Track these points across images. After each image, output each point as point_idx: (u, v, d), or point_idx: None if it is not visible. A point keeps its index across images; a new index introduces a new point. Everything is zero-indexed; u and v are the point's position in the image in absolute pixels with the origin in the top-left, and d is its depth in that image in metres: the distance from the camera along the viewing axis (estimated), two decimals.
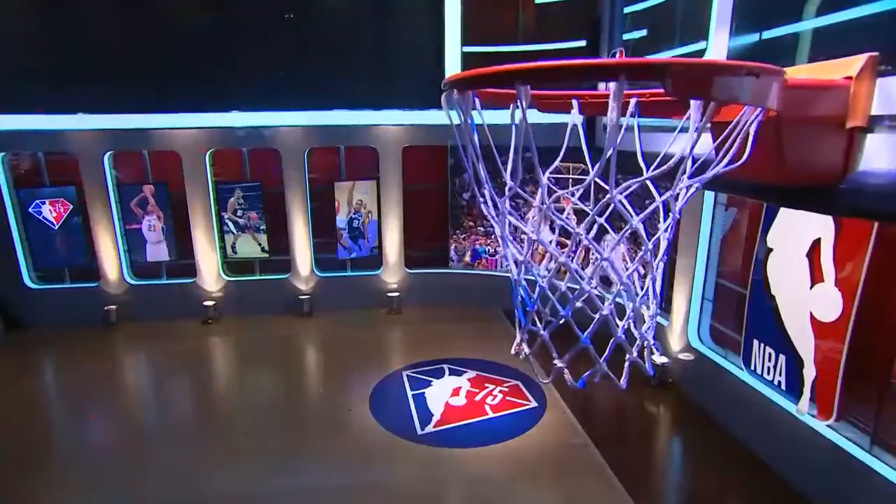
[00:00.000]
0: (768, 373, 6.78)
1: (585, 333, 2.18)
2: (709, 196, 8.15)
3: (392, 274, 13.00)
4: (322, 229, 12.65)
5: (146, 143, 11.74)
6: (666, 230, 2.21)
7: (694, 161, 2.04)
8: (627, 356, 2.31)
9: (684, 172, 2.05)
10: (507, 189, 2.29)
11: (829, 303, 5.85)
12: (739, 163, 2.05)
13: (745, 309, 7.18)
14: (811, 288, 6.08)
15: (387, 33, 12.07)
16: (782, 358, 6.54)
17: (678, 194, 2.09)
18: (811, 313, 6.08)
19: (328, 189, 12.43)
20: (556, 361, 2.26)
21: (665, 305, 9.15)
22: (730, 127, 2.08)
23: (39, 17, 11.15)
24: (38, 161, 11.88)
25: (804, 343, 6.20)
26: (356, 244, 12.84)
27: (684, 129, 2.16)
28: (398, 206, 12.66)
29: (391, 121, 11.92)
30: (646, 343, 2.33)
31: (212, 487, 6.88)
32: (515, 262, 2.28)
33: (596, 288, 2.32)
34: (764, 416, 6.96)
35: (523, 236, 2.31)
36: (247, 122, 11.66)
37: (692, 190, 2.14)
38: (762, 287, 6.83)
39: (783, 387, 6.54)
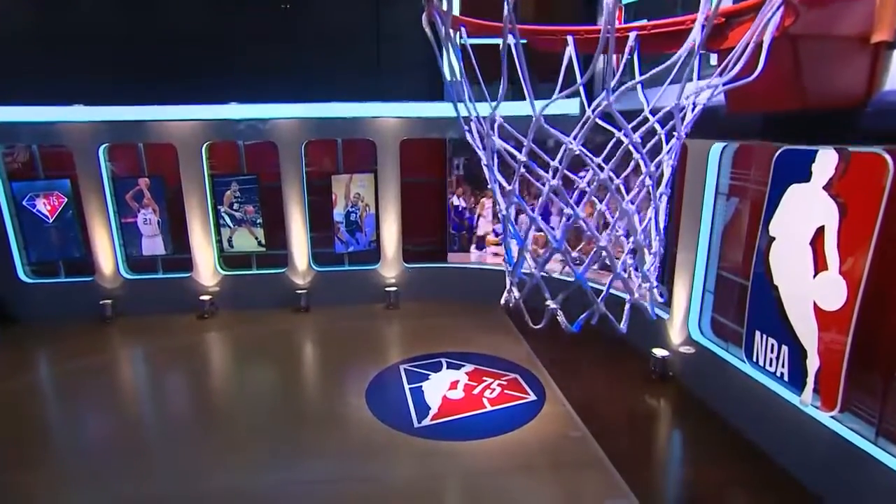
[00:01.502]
0: (771, 364, 6.66)
1: (581, 269, 2.05)
2: (710, 187, 8.04)
3: (390, 268, 12.88)
4: (319, 223, 12.54)
5: (142, 136, 11.64)
6: (669, 154, 2.08)
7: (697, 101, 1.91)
8: (628, 298, 2.18)
9: (686, 97, 1.91)
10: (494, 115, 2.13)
11: (833, 291, 5.73)
12: (752, 76, 1.91)
13: (747, 300, 7.06)
14: (815, 277, 5.96)
15: (385, 25, 11.97)
16: (785, 349, 6.42)
17: (684, 115, 1.95)
18: (815, 303, 5.96)
19: (325, 182, 12.33)
20: (548, 303, 2.14)
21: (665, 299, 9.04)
22: (746, 34, 1.90)
23: (35, 7, 11.06)
24: (33, 154, 11.77)
25: (807, 333, 6.08)
26: (353, 238, 12.72)
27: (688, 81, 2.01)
28: (396, 199, 12.54)
29: (389, 113, 11.82)
30: (647, 284, 2.19)
31: (208, 482, 6.76)
32: (503, 194, 2.16)
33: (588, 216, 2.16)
34: (767, 408, 6.84)
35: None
36: (244, 114, 11.54)
37: (699, 108, 2.00)
38: (764, 277, 6.72)
39: (786, 378, 6.43)
